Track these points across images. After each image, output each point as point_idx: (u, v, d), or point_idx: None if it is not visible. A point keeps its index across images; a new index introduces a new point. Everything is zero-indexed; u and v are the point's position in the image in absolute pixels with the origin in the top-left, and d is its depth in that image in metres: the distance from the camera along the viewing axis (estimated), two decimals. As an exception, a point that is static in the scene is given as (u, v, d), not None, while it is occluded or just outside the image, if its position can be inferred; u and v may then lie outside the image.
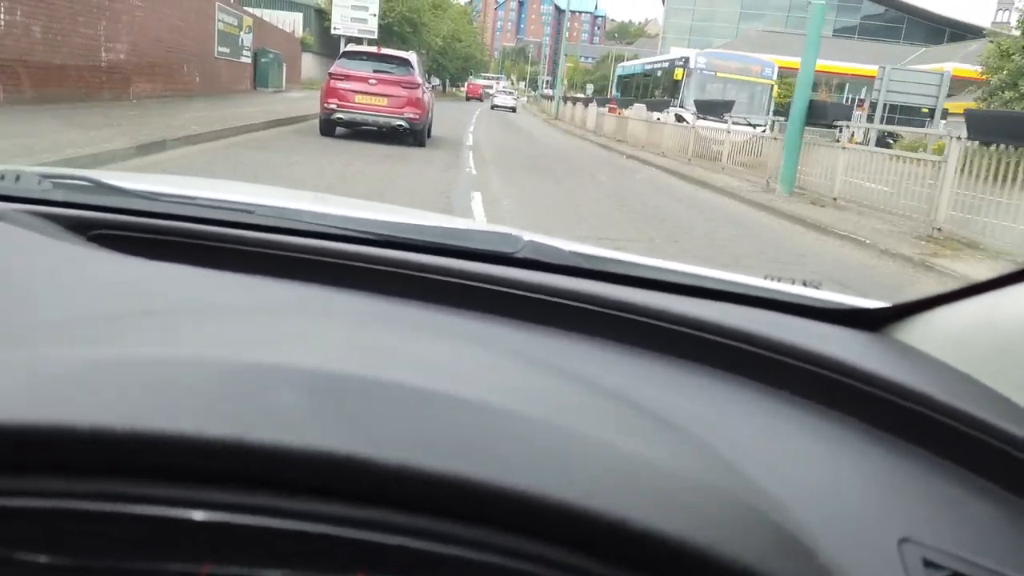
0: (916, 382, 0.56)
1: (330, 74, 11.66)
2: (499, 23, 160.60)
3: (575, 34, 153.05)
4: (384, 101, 11.56)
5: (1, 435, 0.33)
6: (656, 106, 19.50)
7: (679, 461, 0.43)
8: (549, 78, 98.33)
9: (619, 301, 0.65)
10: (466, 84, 71.34)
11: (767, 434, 0.54)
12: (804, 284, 0.81)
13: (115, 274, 0.61)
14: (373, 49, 12.56)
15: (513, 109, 43.68)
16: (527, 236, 0.79)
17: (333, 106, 11.54)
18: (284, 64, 24.96)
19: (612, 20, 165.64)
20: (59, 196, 0.76)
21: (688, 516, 0.37)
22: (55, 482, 0.33)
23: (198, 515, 0.33)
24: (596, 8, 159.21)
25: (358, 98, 11.52)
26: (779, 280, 0.81)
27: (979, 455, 0.52)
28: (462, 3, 63.75)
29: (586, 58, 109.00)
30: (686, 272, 0.77)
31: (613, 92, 29.17)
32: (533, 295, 0.66)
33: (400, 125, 11.66)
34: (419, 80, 11.86)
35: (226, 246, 0.70)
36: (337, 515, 0.34)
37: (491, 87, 64.72)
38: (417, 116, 11.69)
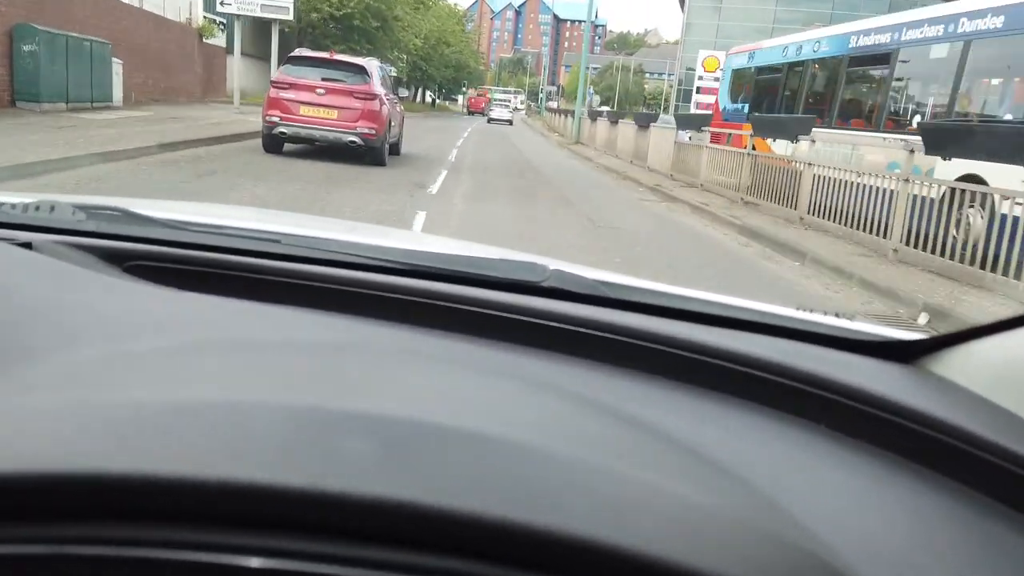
0: (955, 417, 0.56)
1: (272, 82, 10.47)
2: (495, 33, 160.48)
3: (574, 44, 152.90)
4: (334, 114, 10.34)
5: (75, 483, 0.34)
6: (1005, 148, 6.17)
7: (723, 500, 0.45)
8: (553, 88, 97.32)
9: (649, 332, 0.66)
10: (462, 97, 69.50)
11: (806, 470, 0.54)
12: (836, 315, 0.79)
13: (156, 307, 0.62)
14: (325, 54, 11.31)
15: (510, 122, 46.87)
16: (552, 265, 0.79)
17: (275, 119, 10.36)
18: (114, 61, 14.94)
19: (611, 31, 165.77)
20: (93, 226, 0.79)
21: (735, 557, 0.38)
22: (119, 529, 0.34)
23: (256, 562, 0.34)
24: (596, 16, 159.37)
25: (303, 110, 10.31)
26: (811, 311, 0.79)
27: (1022, 493, 0.52)
28: (456, 7, 60.95)
29: (587, 68, 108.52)
30: (716, 302, 0.77)
31: (723, 103, 14.90)
32: (562, 326, 0.67)
33: (352, 141, 10.44)
34: (376, 90, 10.63)
35: (256, 276, 0.73)
36: (407, 564, 0.34)
37: (508, 102, 62.79)
38: (373, 131, 10.46)
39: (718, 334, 0.67)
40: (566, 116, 36.19)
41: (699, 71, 30.09)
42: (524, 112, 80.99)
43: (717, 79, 29.36)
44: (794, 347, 0.67)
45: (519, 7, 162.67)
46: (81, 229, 0.78)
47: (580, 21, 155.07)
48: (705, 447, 0.51)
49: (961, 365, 0.64)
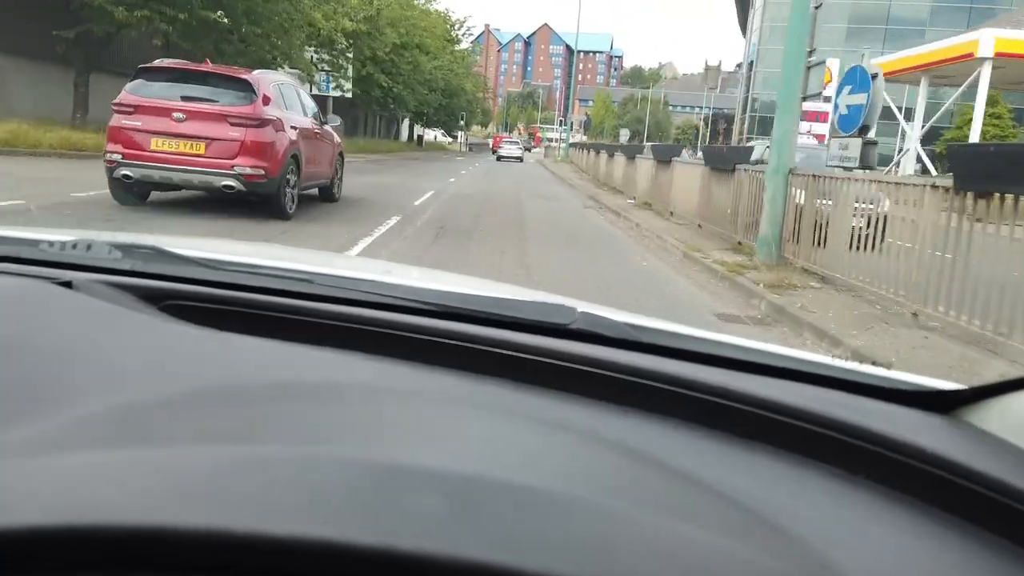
0: (995, 470, 0.57)
1: (114, 105, 7.84)
2: (503, 66, 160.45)
3: (589, 76, 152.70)
4: (200, 147, 7.69)
5: (146, 537, 0.36)
6: None
7: (782, 562, 0.47)
8: (583, 118, 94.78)
9: (681, 378, 0.68)
10: (463, 133, 65.02)
11: (847, 521, 0.56)
12: (873, 363, 0.81)
13: (193, 348, 0.66)
14: (193, 65, 8.65)
15: (520, 159, 46.19)
16: (581, 307, 0.82)
17: (117, 157, 7.70)
18: None
19: (623, 66, 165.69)
20: (129, 265, 0.84)
21: None
22: None
23: None
24: (612, 47, 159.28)
25: (156, 143, 7.67)
26: (847, 359, 0.81)
27: None
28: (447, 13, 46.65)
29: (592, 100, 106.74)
30: (748, 347, 0.80)
31: None
32: (590, 370, 0.71)
33: (228, 186, 7.76)
34: (266, 113, 7.97)
35: (290, 317, 0.77)
36: None
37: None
38: (261, 171, 7.80)
39: (751, 381, 0.69)
40: (597, 154, 24.66)
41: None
42: (537, 149, 78.04)
43: (828, 98, 20.79)
44: (830, 395, 0.69)
45: (528, 38, 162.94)
46: (118, 268, 0.82)
47: (596, 52, 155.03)
48: (750, 499, 0.53)
49: (1000, 417, 0.65)
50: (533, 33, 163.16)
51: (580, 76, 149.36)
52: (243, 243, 1.35)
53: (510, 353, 0.72)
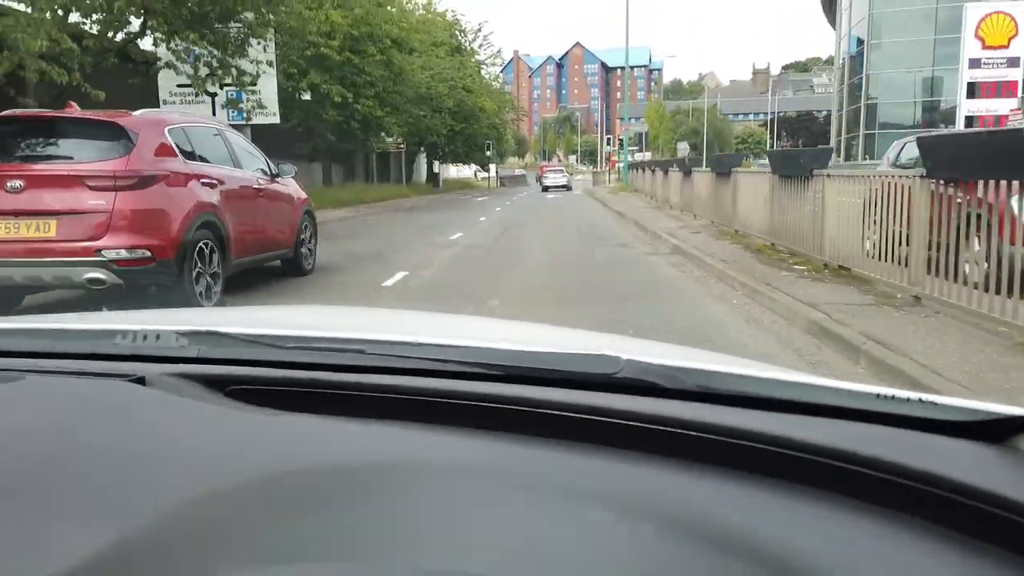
0: None
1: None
2: (536, 92, 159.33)
3: (630, 92, 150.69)
4: (50, 227, 5.50)
5: None
6: None
7: None
8: (640, 132, 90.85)
9: (730, 428, 0.69)
10: (495, 165, 60.25)
11: (909, 568, 0.57)
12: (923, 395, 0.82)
13: (253, 433, 0.70)
14: (47, 112, 6.48)
15: (568, 187, 43.97)
16: (625, 355, 0.82)
17: (-66, 253, 5.54)
18: None
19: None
20: (194, 352, 0.88)
21: None
22: None
23: None
24: (650, 60, 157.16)
25: (-16, 228, 5.48)
26: (895, 388, 0.82)
27: None
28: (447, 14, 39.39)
29: (639, 118, 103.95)
30: (795, 383, 0.79)
31: None
32: (638, 425, 0.72)
33: (94, 280, 5.53)
34: (146, 168, 5.76)
35: (343, 393, 0.80)
36: None
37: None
38: (142, 252, 5.61)
39: (801, 424, 0.69)
40: (719, 177, 12.49)
41: (968, 51, 16.76)
42: (574, 176, 74.75)
43: (1014, 59, 16.29)
44: (878, 432, 0.70)
45: (560, 59, 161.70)
46: (185, 356, 0.87)
47: (635, 67, 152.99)
48: (802, 553, 0.54)
49: None
50: (565, 54, 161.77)
51: (620, 94, 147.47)
52: (299, 308, 1.47)
53: (555, 413, 0.72)
